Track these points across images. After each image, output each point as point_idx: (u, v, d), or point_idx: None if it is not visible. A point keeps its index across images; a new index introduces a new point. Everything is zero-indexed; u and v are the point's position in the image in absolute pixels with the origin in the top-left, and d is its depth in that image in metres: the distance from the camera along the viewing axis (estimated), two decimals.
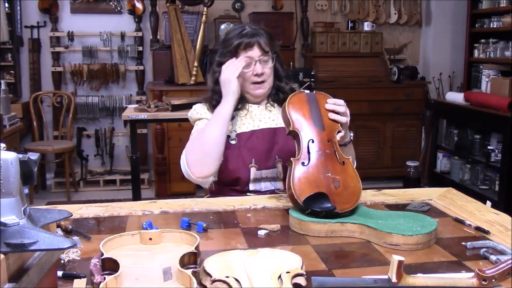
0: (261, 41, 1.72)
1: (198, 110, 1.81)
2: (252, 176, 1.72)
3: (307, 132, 1.45)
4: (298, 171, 1.39)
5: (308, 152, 1.42)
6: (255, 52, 1.71)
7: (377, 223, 1.27)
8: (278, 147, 1.73)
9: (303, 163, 1.40)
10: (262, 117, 1.78)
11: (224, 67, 1.69)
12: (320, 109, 1.50)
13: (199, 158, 1.64)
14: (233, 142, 1.73)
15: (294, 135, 1.47)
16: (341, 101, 1.53)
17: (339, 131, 1.50)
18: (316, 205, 1.33)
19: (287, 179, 1.40)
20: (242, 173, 1.71)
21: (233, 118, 1.76)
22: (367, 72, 4.94)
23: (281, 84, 1.83)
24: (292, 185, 1.37)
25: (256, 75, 1.72)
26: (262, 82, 1.75)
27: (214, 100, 1.77)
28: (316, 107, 1.50)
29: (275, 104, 1.82)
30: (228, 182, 1.74)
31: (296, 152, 1.44)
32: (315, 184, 1.37)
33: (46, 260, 0.87)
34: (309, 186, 1.36)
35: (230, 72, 1.66)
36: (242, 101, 1.79)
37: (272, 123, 1.77)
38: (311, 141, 1.44)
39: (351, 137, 1.65)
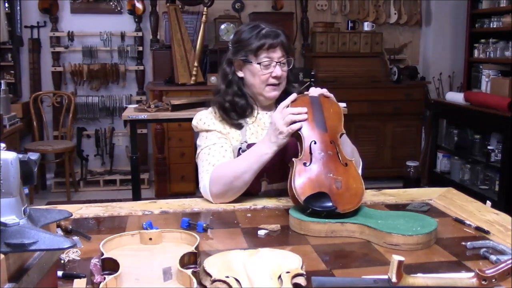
0: (283, 42, 1.66)
1: (205, 120, 1.70)
2: (262, 189, 1.67)
3: (310, 133, 1.45)
4: (300, 171, 1.39)
5: (310, 153, 1.42)
6: (277, 54, 1.65)
7: (377, 223, 1.27)
8: (290, 158, 1.53)
9: (304, 163, 1.40)
10: None
11: (283, 108, 1.49)
12: (324, 112, 1.50)
13: (225, 192, 1.54)
14: None
15: (297, 136, 1.47)
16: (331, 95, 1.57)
17: (342, 133, 1.50)
18: (317, 204, 1.33)
19: (288, 179, 1.40)
20: (253, 187, 1.60)
21: (242, 127, 1.69)
22: (367, 72, 4.94)
23: (289, 88, 1.75)
24: (293, 185, 1.37)
25: (275, 77, 1.65)
26: (278, 84, 1.68)
27: (227, 102, 1.68)
28: (319, 109, 1.50)
29: None
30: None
31: (299, 153, 1.44)
32: (317, 184, 1.37)
33: (46, 260, 0.87)
34: (310, 185, 1.36)
35: (284, 124, 1.46)
36: (251, 107, 1.72)
37: None
38: (313, 142, 1.44)
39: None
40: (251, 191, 1.62)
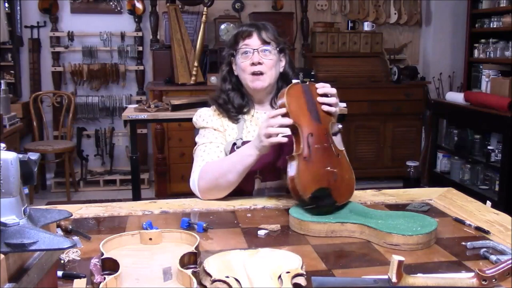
0: (261, 31, 1.68)
1: (204, 117, 1.74)
2: (256, 187, 1.67)
3: (306, 125, 1.43)
4: (301, 167, 1.37)
5: (308, 147, 1.40)
6: (254, 41, 1.67)
7: (377, 223, 1.27)
8: (284, 158, 1.51)
9: (305, 158, 1.39)
10: None
11: (269, 117, 1.45)
12: (315, 101, 1.48)
13: (212, 188, 1.58)
14: None
15: (293, 129, 1.43)
16: (333, 90, 1.49)
17: (333, 123, 1.50)
18: (319, 202, 1.35)
19: (290, 173, 1.38)
20: (246, 184, 1.63)
21: (239, 122, 1.72)
22: (367, 72, 4.94)
23: (284, 84, 1.75)
24: (297, 181, 1.35)
25: (253, 64, 1.65)
26: (261, 74, 1.66)
27: (221, 99, 1.74)
28: (311, 99, 1.47)
29: None
30: (231, 192, 1.63)
31: (295, 147, 1.42)
32: (317, 179, 1.37)
33: (46, 260, 0.87)
34: (313, 181, 1.37)
35: (264, 135, 1.44)
36: (248, 104, 1.74)
37: None
38: (310, 135, 1.42)
39: (340, 129, 1.60)
40: (245, 189, 1.65)
